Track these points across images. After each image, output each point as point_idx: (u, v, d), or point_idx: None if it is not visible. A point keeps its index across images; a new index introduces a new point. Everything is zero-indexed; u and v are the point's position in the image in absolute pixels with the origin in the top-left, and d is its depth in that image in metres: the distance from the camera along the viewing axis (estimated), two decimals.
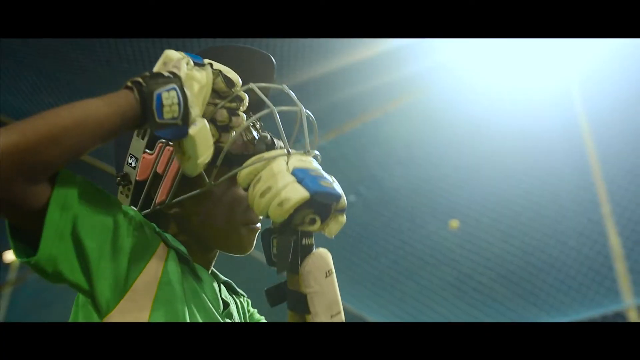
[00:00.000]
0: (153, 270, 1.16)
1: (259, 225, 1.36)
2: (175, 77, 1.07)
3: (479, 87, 5.41)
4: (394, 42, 4.81)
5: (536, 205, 5.43)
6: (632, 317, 5.05)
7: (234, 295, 1.46)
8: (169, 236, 1.26)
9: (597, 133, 5.27)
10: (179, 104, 1.05)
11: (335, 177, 1.14)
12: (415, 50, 4.95)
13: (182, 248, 1.26)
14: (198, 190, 1.23)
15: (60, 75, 4.99)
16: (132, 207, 1.32)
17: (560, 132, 5.41)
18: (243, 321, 1.43)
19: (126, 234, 1.12)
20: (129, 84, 1.04)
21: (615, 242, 5.05)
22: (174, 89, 1.05)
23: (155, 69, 1.11)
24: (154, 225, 1.25)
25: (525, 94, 5.46)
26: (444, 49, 5.05)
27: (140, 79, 1.05)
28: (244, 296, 1.51)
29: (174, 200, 1.29)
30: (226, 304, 1.35)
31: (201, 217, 1.32)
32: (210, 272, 1.40)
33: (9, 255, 7.54)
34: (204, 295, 1.26)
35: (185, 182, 1.27)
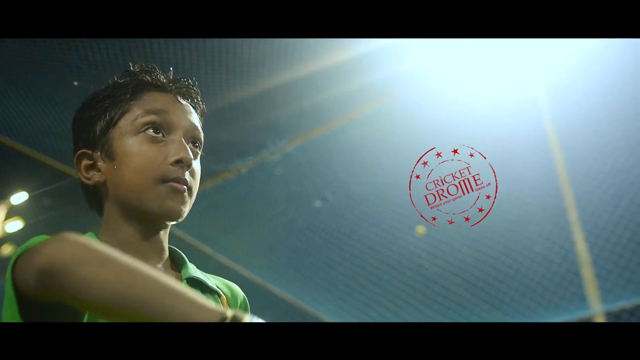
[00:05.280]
0: None
1: (182, 187, 1.30)
2: None
3: (444, 94, 5.31)
4: (360, 50, 4.74)
5: (502, 210, 5.27)
6: None
7: (207, 293, 1.37)
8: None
9: (563, 140, 5.20)
10: None
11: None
12: (381, 58, 4.89)
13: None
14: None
15: (29, 82, 4.89)
16: None
17: (527, 139, 5.33)
18: None
19: None
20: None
21: (582, 248, 4.98)
22: None
23: None
24: None
25: (491, 101, 5.33)
26: (409, 56, 4.95)
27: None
28: (219, 294, 1.41)
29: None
30: None
31: (115, 180, 1.31)
32: (157, 268, 1.31)
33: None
34: None
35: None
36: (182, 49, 4.59)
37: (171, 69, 1.45)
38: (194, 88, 1.45)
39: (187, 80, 1.44)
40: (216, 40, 4.58)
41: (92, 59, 4.59)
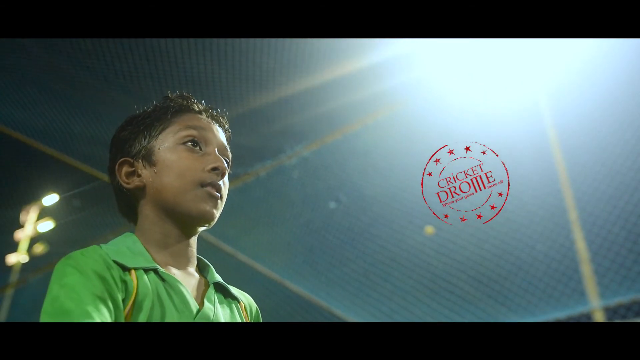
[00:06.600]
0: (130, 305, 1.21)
1: (217, 193, 1.38)
2: None
3: (452, 101, 5.41)
4: (372, 59, 4.84)
5: (505, 211, 5.50)
6: (598, 318, 5.00)
7: (228, 299, 1.44)
8: (131, 255, 1.30)
9: (564, 143, 5.27)
10: None
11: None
12: (392, 67, 4.99)
13: (145, 261, 1.30)
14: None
15: (60, 90, 5.03)
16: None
17: (530, 142, 5.41)
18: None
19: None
20: None
21: (581, 246, 5.03)
22: None
23: None
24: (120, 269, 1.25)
25: (496, 106, 5.45)
26: (419, 65, 5.06)
27: None
28: (238, 300, 1.47)
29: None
30: (201, 306, 1.31)
31: (156, 184, 1.38)
32: (187, 271, 1.39)
33: (12, 258, 7.59)
34: (170, 302, 1.26)
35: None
36: (205, 60, 4.72)
37: (203, 101, 1.54)
38: (224, 117, 1.55)
39: (218, 110, 1.54)
40: (237, 50, 4.68)
41: (119, 68, 4.73)
